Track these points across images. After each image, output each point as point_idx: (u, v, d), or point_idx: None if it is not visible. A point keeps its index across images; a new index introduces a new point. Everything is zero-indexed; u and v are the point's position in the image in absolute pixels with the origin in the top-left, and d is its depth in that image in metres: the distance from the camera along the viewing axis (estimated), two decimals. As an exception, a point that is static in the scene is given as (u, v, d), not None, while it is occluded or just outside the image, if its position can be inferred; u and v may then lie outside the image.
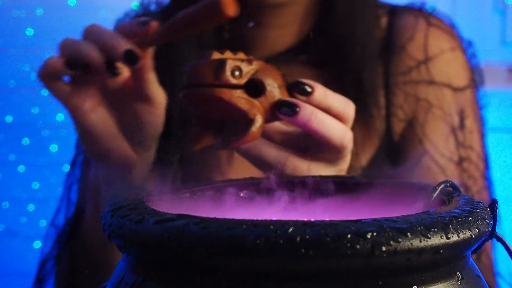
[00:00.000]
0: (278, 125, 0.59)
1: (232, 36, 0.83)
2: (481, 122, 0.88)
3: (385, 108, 0.84)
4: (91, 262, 0.78)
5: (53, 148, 1.91)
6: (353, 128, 0.60)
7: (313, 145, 0.59)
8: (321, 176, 0.54)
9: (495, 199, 0.42)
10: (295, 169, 0.58)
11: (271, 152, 0.58)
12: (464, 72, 0.87)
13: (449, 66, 0.86)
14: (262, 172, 0.59)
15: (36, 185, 1.91)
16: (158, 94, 0.62)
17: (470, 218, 0.38)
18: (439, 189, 0.45)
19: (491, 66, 1.72)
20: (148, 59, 0.60)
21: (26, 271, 1.92)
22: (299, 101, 0.54)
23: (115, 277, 0.40)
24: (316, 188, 0.52)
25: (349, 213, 0.50)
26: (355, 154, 0.78)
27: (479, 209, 0.39)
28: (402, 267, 0.35)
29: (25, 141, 1.91)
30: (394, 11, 0.89)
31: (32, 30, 1.88)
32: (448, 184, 0.46)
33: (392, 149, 0.85)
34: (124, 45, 0.57)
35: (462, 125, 0.85)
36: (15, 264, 1.91)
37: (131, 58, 0.57)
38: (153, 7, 0.91)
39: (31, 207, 1.92)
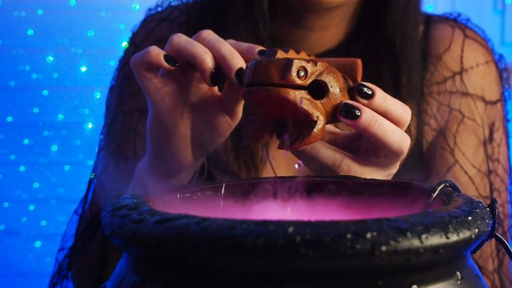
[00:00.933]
0: (328, 126, 0.59)
1: (271, 36, 0.83)
2: (507, 136, 0.89)
3: (417, 116, 0.84)
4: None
5: (54, 148, 1.91)
6: None
7: (365, 149, 0.59)
8: (320, 176, 0.54)
9: (495, 199, 0.42)
10: (349, 172, 0.58)
11: (327, 154, 0.57)
12: (496, 86, 0.88)
13: (483, 79, 0.87)
14: (313, 173, 0.59)
15: (36, 185, 1.92)
16: (240, 110, 0.64)
17: (470, 218, 0.38)
18: (439, 189, 0.45)
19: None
20: None
21: (26, 271, 1.93)
22: (361, 105, 0.54)
23: (115, 277, 0.40)
24: (316, 188, 0.52)
25: (349, 213, 0.50)
26: None
27: (478, 209, 0.39)
28: (402, 267, 0.35)
29: (26, 141, 1.91)
30: (429, 20, 0.90)
31: (32, 31, 1.88)
32: (448, 184, 0.46)
33: (421, 157, 0.85)
34: (240, 62, 0.59)
35: (491, 138, 0.86)
36: (15, 264, 1.91)
37: (242, 77, 0.58)
38: None
39: (31, 207, 1.92)
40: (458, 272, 0.38)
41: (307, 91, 0.51)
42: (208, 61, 0.60)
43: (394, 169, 0.61)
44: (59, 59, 1.88)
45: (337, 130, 0.61)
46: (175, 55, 0.61)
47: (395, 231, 0.34)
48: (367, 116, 0.54)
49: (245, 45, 0.62)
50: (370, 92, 0.55)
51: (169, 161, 0.65)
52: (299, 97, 0.51)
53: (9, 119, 1.91)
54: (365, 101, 0.55)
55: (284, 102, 0.51)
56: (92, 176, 0.89)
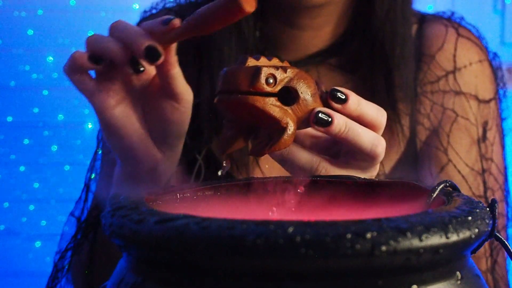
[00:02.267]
0: (309, 130, 0.59)
1: (265, 36, 0.83)
2: (502, 134, 0.89)
3: (410, 116, 0.84)
4: (108, 255, 0.78)
5: (54, 148, 1.91)
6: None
7: (346, 152, 0.59)
8: (320, 176, 0.54)
9: (494, 199, 0.42)
10: (327, 175, 0.58)
11: (304, 157, 0.58)
12: (490, 84, 0.88)
13: (476, 78, 0.87)
14: (292, 174, 0.59)
15: (36, 185, 1.92)
16: (184, 91, 0.62)
17: (470, 218, 0.38)
18: (439, 189, 0.45)
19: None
20: (171, 56, 0.59)
21: (26, 271, 1.93)
22: (333, 112, 0.54)
23: (115, 277, 0.40)
24: (316, 188, 0.52)
25: (349, 213, 0.50)
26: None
27: (478, 209, 0.39)
28: (402, 267, 0.35)
29: (26, 141, 1.91)
30: (423, 19, 0.90)
31: (32, 31, 1.88)
32: (448, 184, 0.46)
33: (415, 157, 0.85)
34: (145, 41, 0.57)
35: (484, 137, 0.85)
36: (15, 264, 1.91)
37: (152, 55, 0.57)
38: None
39: (31, 207, 1.92)
40: (458, 272, 0.38)
41: (276, 98, 0.52)
42: (119, 51, 0.58)
43: (374, 171, 0.61)
44: (59, 59, 1.88)
45: (318, 133, 0.61)
46: (95, 54, 0.59)
47: (395, 231, 0.34)
48: (339, 123, 0.54)
49: (153, 21, 0.59)
50: (343, 97, 0.55)
51: (135, 162, 0.64)
52: (269, 104, 0.51)
53: (9, 119, 1.91)
54: (338, 106, 0.55)
55: (253, 109, 0.51)
56: (92, 177, 0.88)
